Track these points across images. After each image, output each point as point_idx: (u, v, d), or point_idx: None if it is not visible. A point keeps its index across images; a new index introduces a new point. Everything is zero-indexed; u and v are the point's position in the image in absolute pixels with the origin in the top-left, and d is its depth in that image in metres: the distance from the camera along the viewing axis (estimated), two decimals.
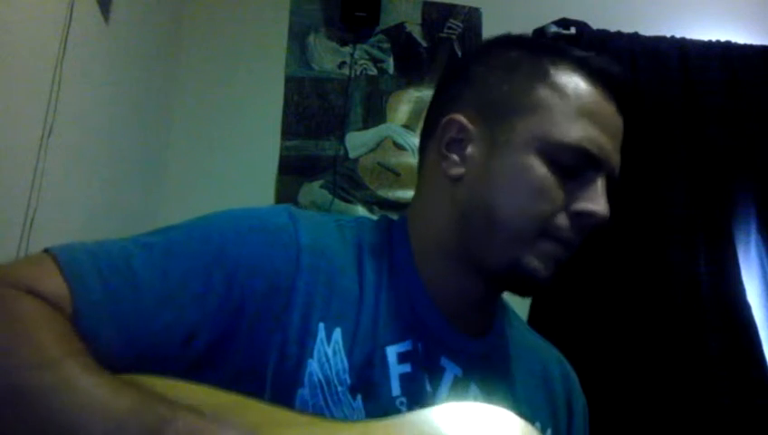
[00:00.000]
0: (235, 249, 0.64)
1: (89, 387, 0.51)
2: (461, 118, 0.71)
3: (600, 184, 0.68)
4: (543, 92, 0.69)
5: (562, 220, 0.67)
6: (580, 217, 0.68)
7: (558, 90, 0.69)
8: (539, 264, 0.67)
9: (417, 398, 0.66)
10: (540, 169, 0.67)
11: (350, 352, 0.64)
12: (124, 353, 0.58)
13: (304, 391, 0.62)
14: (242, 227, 0.66)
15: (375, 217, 0.82)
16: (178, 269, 0.62)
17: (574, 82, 0.69)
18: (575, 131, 0.67)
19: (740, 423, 1.87)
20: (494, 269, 0.69)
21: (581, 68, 0.70)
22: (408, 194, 2.06)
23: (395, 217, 0.79)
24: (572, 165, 0.67)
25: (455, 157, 0.71)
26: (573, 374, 0.84)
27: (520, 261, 0.67)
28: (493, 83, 0.72)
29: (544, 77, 0.70)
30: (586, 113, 0.68)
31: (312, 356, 0.63)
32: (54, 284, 0.57)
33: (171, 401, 0.53)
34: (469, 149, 0.71)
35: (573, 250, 0.69)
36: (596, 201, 0.68)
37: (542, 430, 0.74)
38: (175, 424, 0.50)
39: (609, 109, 0.70)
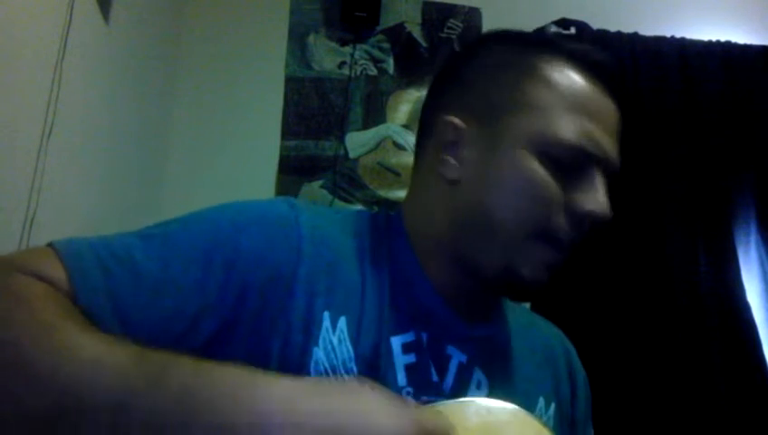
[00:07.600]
0: (234, 241, 0.64)
1: (89, 343, 0.51)
2: (455, 120, 0.70)
3: (599, 181, 0.67)
4: (535, 89, 0.68)
5: (561, 220, 0.66)
6: (579, 217, 0.66)
7: (549, 85, 0.68)
8: (531, 270, 0.66)
9: (423, 388, 0.66)
10: (536, 168, 0.66)
11: (355, 342, 0.64)
12: None
13: None
14: (241, 220, 0.66)
15: (373, 211, 0.82)
16: (178, 258, 0.62)
17: (566, 76, 0.68)
18: (571, 128, 0.65)
19: (739, 423, 1.87)
20: (486, 274, 0.68)
21: (572, 61, 0.69)
22: None
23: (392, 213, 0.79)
24: (570, 162, 0.66)
25: (451, 160, 0.70)
26: (573, 349, 0.84)
27: (512, 267, 0.66)
28: (483, 83, 0.71)
29: (534, 73, 0.68)
30: (580, 108, 0.66)
31: (317, 344, 0.63)
32: (56, 271, 0.58)
33: (171, 351, 0.52)
34: (465, 152, 0.70)
35: (569, 252, 0.68)
36: (596, 199, 0.66)
37: (546, 405, 0.75)
38: (180, 368, 0.50)
39: (604, 101, 0.68)
